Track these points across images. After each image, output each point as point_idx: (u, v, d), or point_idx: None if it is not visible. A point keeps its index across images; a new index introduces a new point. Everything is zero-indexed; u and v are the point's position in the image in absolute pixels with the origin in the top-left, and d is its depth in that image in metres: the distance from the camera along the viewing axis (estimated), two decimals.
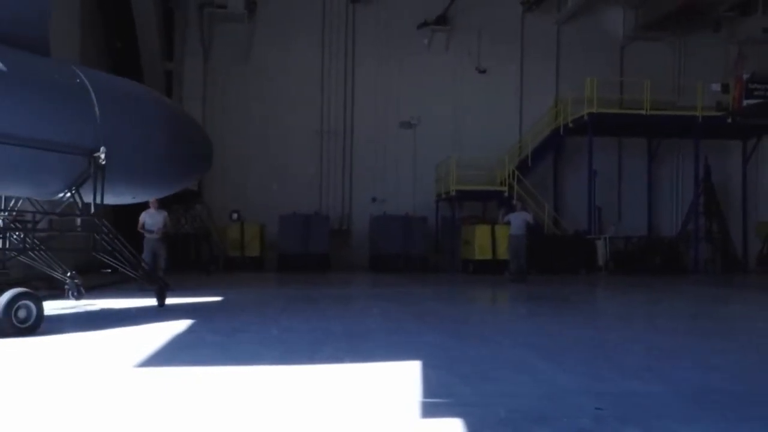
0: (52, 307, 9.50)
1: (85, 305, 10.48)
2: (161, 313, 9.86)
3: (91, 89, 8.97)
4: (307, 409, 4.57)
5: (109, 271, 16.30)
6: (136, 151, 9.80)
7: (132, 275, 10.48)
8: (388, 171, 25.80)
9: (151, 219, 14.34)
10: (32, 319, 7.57)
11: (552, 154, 25.94)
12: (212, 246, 22.52)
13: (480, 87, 25.94)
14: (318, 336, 7.88)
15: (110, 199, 9.65)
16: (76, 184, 8.93)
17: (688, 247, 24.22)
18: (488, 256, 21.18)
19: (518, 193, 23.07)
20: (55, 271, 10.11)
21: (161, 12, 23.34)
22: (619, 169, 26.91)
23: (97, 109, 8.93)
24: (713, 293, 16.48)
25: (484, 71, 26.09)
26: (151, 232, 14.24)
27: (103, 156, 8.82)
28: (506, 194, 23.20)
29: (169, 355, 6.63)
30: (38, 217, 9.38)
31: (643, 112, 23.30)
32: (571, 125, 23.79)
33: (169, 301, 11.00)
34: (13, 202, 9.43)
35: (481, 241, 21.26)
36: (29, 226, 9.56)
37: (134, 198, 11.29)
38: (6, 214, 9.28)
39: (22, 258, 9.60)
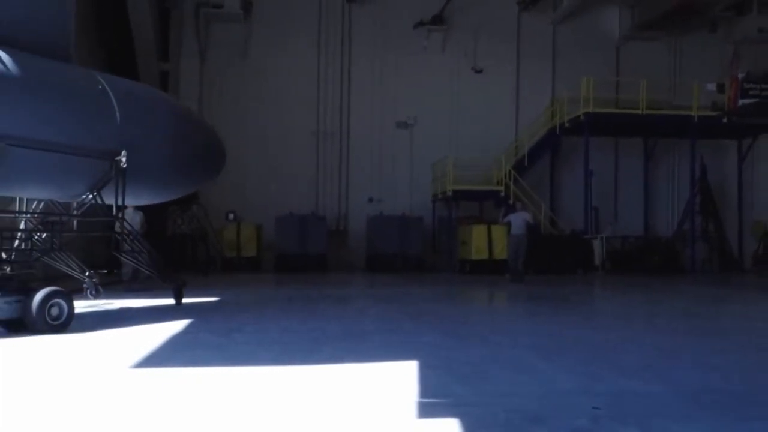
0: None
1: (103, 304, 10.63)
2: (157, 313, 9.84)
3: (112, 95, 9.33)
4: (305, 410, 4.56)
5: (105, 272, 16.33)
6: (154, 154, 10.12)
7: (151, 274, 10.82)
8: (384, 171, 25.79)
9: (129, 219, 14.34)
10: (64, 317, 7.89)
11: (548, 153, 25.95)
12: (209, 247, 22.48)
13: (476, 87, 25.94)
14: (315, 336, 7.87)
15: (128, 201, 9.99)
16: (98, 187, 9.31)
17: (684, 247, 24.25)
18: (485, 256, 21.17)
19: (515, 193, 23.06)
20: (74, 270, 10.28)
21: (157, 12, 23.29)
22: (615, 168, 26.93)
23: (117, 114, 9.31)
24: (710, 293, 16.50)
25: (480, 71, 26.10)
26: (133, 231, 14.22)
27: (124, 159, 9.23)
28: (503, 194, 23.18)
29: (165, 355, 6.61)
30: (64, 218, 9.71)
31: (640, 111, 23.32)
32: (567, 125, 23.80)
33: (166, 301, 11.00)
34: (35, 204, 9.77)
35: (477, 241, 21.25)
36: (56, 227, 9.81)
37: (151, 199, 11.68)
38: (29, 215, 9.62)
39: (45, 259, 9.88)
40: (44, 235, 9.60)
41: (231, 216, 23.04)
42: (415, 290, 15.82)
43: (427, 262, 23.90)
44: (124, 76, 12.64)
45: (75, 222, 10.11)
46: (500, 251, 20.90)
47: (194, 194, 21.95)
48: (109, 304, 10.90)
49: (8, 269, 8.17)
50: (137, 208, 14.58)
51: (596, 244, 22.54)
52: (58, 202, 9.89)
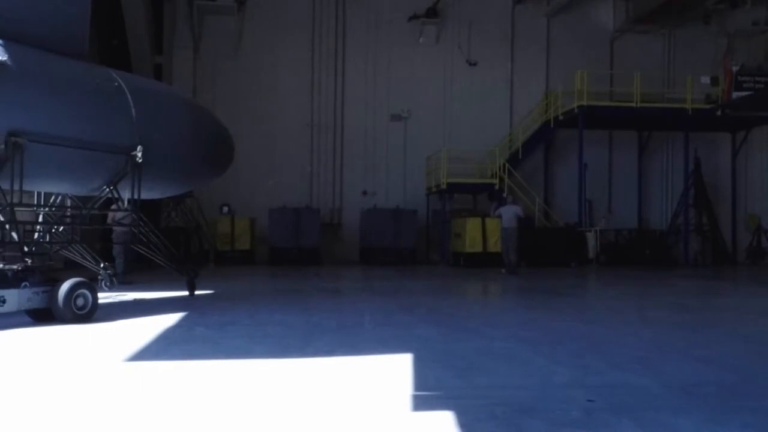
0: None
1: (117, 296, 10.80)
2: (166, 305, 9.83)
3: (127, 91, 9.65)
4: (299, 403, 4.56)
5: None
6: (167, 149, 10.40)
7: (166, 266, 11.19)
8: (378, 164, 25.79)
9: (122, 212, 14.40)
10: (89, 307, 8.31)
11: (542, 146, 25.99)
12: (202, 240, 22.44)
13: (470, 80, 25.95)
14: (310, 329, 7.87)
15: (143, 195, 10.20)
16: (115, 181, 9.62)
17: (677, 240, 24.34)
18: (479, 249, 21.19)
19: (509, 186, 23.09)
20: (90, 262, 10.60)
21: (150, 5, 23.21)
22: (609, 161, 26.98)
23: (133, 110, 9.62)
24: (702, 285, 16.56)
25: (474, 64, 26.09)
26: (122, 225, 14.29)
27: (140, 154, 9.53)
28: (497, 187, 23.21)
29: (159, 349, 6.60)
30: (84, 212, 10.05)
31: (634, 104, 23.35)
32: (561, 118, 23.83)
33: (159, 294, 11.01)
34: (53, 198, 10.01)
35: (471, 234, 21.26)
36: (76, 220, 10.31)
37: (164, 193, 12.02)
38: (46, 209, 9.85)
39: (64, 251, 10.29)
40: (61, 228, 9.99)
41: (225, 209, 23.01)
42: (408, 283, 15.82)
43: (421, 255, 23.92)
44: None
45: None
46: (494, 244, 20.93)
47: None
48: (122, 295, 11.03)
49: (29, 261, 8.39)
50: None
51: (590, 237, 22.59)
52: (75, 196, 10.15)
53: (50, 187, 9.59)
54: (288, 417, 4.24)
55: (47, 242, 9.65)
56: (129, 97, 9.63)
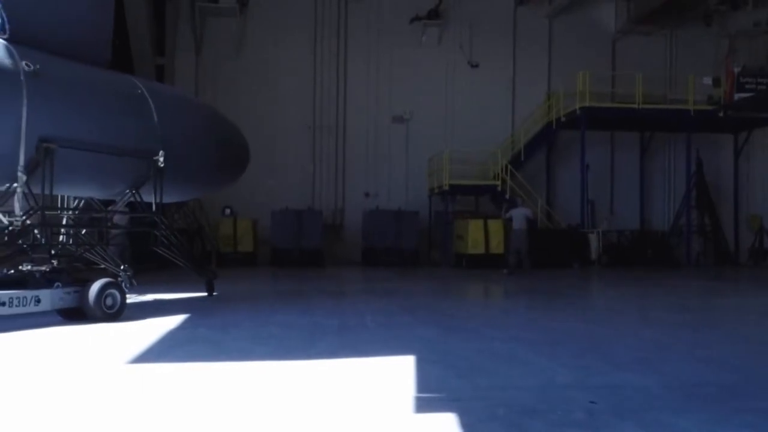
0: None
1: (136, 297, 10.84)
2: (155, 307, 9.85)
3: (149, 98, 10.05)
4: (302, 405, 4.57)
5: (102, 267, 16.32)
6: (187, 154, 10.77)
7: (185, 267, 11.42)
8: (380, 166, 25.79)
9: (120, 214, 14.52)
10: (117, 306, 8.63)
11: (545, 148, 25.96)
12: (205, 241, 22.45)
13: (472, 81, 25.93)
14: (312, 331, 7.88)
15: (164, 198, 10.47)
16: (137, 185, 9.98)
17: (680, 241, 24.32)
18: (481, 250, 21.19)
19: (511, 188, 23.10)
20: (110, 263, 10.89)
21: (152, 6, 23.22)
22: (611, 162, 26.95)
23: (155, 116, 10.03)
24: (705, 286, 16.55)
25: (476, 65, 26.08)
26: (118, 227, 14.35)
27: (162, 159, 9.89)
28: (499, 189, 23.22)
29: (162, 350, 6.61)
30: (109, 215, 10.56)
31: (636, 105, 23.33)
32: (563, 119, 23.81)
33: (161, 296, 11.03)
34: (75, 201, 10.42)
35: (474, 236, 21.26)
36: (102, 223, 10.76)
37: (182, 197, 12.41)
38: (70, 212, 10.27)
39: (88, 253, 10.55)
40: (83, 231, 10.29)
41: (227, 211, 23.02)
42: (410, 284, 15.83)
43: (423, 257, 23.93)
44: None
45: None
46: (496, 245, 20.94)
47: None
48: (141, 296, 11.09)
49: (55, 263, 8.70)
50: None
51: (592, 238, 22.57)
52: (98, 200, 10.51)
53: (77, 191, 9.93)
54: (291, 419, 4.25)
55: (72, 244, 9.94)
56: (151, 103, 10.01)
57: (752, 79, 22.61)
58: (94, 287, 8.42)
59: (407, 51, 25.69)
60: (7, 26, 8.28)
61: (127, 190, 10.01)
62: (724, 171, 26.56)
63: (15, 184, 8.20)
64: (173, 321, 8.50)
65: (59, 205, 10.20)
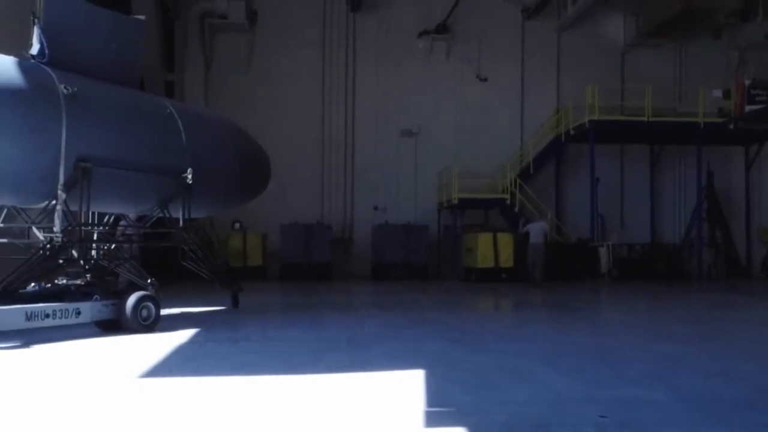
0: None
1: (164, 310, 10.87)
2: (166, 322, 9.86)
3: (178, 118, 10.45)
4: (311, 420, 4.55)
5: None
6: (214, 171, 11.11)
7: (211, 280, 11.74)
8: (389, 179, 25.78)
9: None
10: (152, 318, 9.00)
11: (554, 161, 25.90)
12: (214, 256, 22.44)
13: (481, 95, 25.93)
14: (321, 345, 7.87)
15: (192, 213, 10.79)
16: (166, 201, 10.32)
17: (691, 254, 24.17)
18: (490, 264, 21.13)
19: (520, 202, 23.05)
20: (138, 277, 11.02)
21: (162, 23, 23.38)
22: (621, 175, 26.85)
23: (183, 135, 10.41)
24: (716, 299, 16.43)
25: (485, 79, 26.09)
26: (124, 242, 14.47)
27: (190, 176, 10.21)
28: (508, 202, 23.18)
29: (172, 365, 6.61)
30: (141, 231, 11.07)
31: (645, 118, 23.27)
32: (572, 132, 23.77)
33: (172, 310, 11.03)
34: (106, 217, 10.80)
35: (483, 249, 21.21)
36: (133, 239, 11.32)
37: (207, 212, 12.80)
38: (100, 228, 10.57)
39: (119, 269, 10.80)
40: (113, 246, 10.60)
41: (237, 225, 23.05)
42: (420, 298, 15.80)
43: (433, 271, 23.87)
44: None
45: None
46: (506, 259, 20.89)
47: None
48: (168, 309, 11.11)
49: (88, 277, 9.09)
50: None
51: (602, 252, 22.46)
52: (127, 216, 11.05)
53: (109, 208, 10.32)
54: None
55: (105, 259, 10.22)
56: (179, 122, 10.40)
57: (763, 91, 22.50)
58: (131, 300, 8.79)
59: (416, 65, 25.74)
60: (47, 51, 8.71)
61: (157, 206, 10.33)
62: (735, 183, 26.42)
63: (54, 202, 8.53)
64: (184, 335, 8.50)
65: (90, 221, 10.45)
